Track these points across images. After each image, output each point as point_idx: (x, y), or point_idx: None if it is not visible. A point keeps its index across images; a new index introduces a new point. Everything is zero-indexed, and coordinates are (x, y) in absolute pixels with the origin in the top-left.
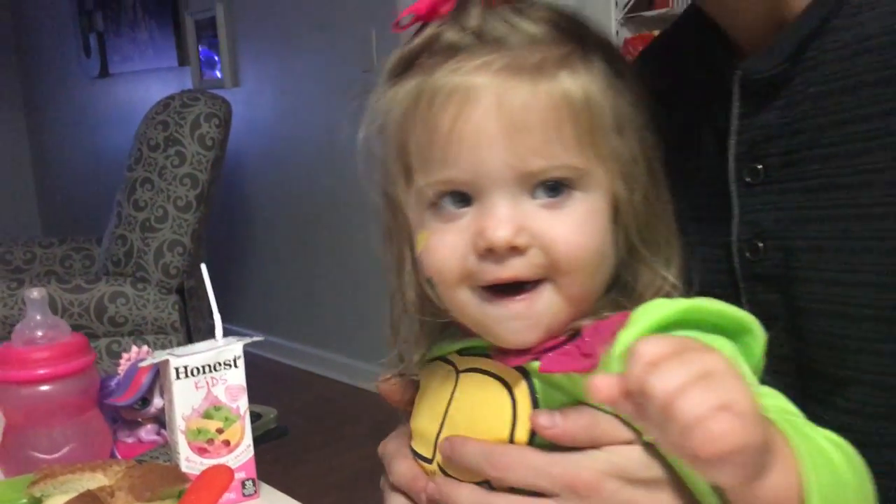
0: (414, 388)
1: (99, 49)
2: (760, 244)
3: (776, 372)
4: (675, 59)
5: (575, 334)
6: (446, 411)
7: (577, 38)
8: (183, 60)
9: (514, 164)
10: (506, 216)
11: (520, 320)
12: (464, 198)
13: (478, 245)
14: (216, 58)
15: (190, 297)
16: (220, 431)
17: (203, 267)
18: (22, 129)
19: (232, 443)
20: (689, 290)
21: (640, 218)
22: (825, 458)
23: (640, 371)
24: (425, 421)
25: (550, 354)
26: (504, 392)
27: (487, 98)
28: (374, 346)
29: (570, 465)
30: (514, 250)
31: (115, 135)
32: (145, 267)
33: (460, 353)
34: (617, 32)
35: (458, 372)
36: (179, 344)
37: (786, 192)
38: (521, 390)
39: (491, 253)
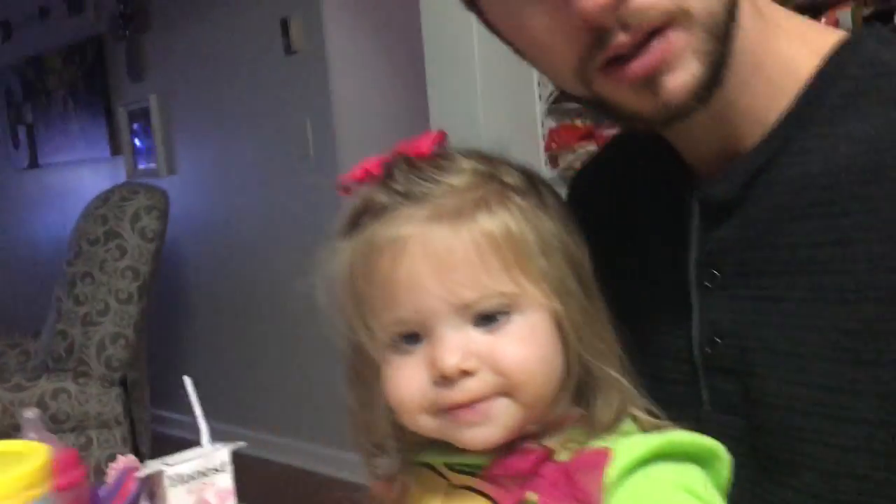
0: (400, 486)
1: (28, 140)
2: (718, 340)
3: (735, 453)
4: (630, 171)
5: (545, 451)
6: None
7: (494, 179)
8: (116, 150)
9: (449, 299)
10: (453, 345)
11: (478, 426)
12: (415, 336)
13: (432, 374)
14: (150, 146)
15: (132, 389)
16: None
17: (187, 379)
18: None
19: None
20: (638, 380)
21: (578, 326)
22: None
23: None
24: None
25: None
26: None
27: (415, 246)
28: (320, 427)
29: None
30: (466, 374)
31: (47, 227)
32: (87, 361)
33: (449, 466)
34: (542, 123)
35: (448, 486)
36: (123, 437)
37: (740, 298)
38: None
39: (445, 379)
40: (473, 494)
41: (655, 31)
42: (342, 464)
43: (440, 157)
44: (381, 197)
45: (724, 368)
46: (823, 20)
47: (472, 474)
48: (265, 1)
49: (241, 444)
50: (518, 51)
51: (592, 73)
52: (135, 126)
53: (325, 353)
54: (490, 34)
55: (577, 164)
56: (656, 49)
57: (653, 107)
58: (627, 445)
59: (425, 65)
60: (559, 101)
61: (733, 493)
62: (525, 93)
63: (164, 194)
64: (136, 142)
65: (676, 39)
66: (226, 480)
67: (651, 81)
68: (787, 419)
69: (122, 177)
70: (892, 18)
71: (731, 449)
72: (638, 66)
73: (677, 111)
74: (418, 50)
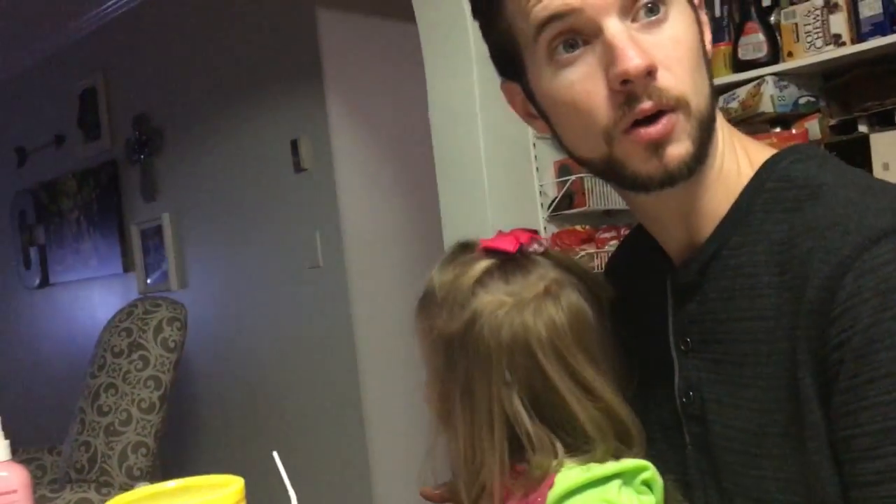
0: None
1: (40, 261)
2: (691, 393)
3: (705, 485)
4: (635, 260)
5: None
6: None
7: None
8: (128, 267)
9: None
10: None
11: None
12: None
13: None
14: (161, 262)
15: None
16: None
17: (275, 454)
18: None
19: None
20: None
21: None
22: None
23: None
24: None
25: None
26: None
27: None
28: None
29: None
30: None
31: (58, 344)
32: (109, 471)
33: None
34: (545, 228)
35: None
36: None
37: (702, 360)
38: None
39: None
40: None
41: (666, 110)
42: None
43: None
44: None
45: (694, 416)
46: (794, 129)
47: None
48: (276, 123)
49: None
50: (549, 119)
51: (618, 133)
52: (147, 244)
53: (327, 459)
54: (495, 145)
55: None
56: (667, 122)
57: (654, 168)
58: (563, 478)
59: (437, 180)
60: (558, 210)
61: None
62: (529, 202)
63: (183, 307)
64: (148, 258)
65: (679, 120)
66: None
67: (659, 146)
68: (726, 455)
69: (133, 292)
70: (854, 127)
71: (702, 481)
72: (654, 130)
73: (671, 175)
74: (422, 163)
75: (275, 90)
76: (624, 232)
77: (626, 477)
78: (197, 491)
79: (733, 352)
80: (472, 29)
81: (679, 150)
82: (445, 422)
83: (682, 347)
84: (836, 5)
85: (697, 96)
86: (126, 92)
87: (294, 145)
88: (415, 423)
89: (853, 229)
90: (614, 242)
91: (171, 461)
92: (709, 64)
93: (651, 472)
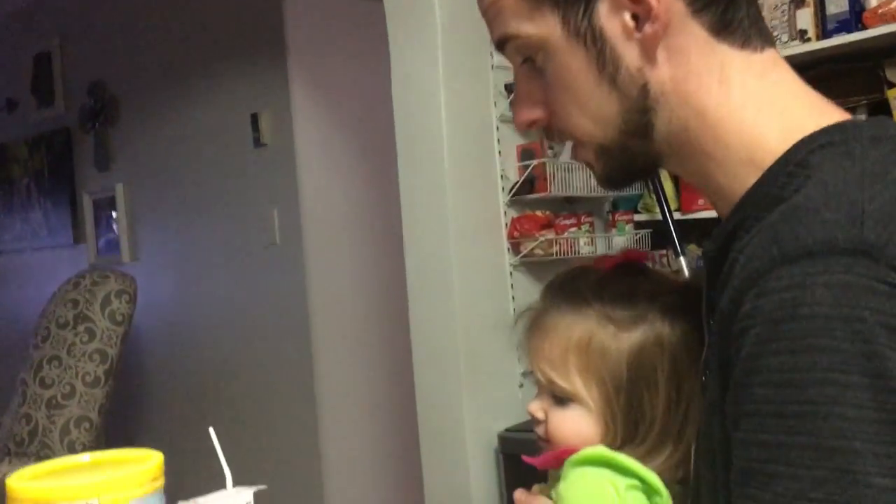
0: None
1: None
2: (707, 372)
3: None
4: None
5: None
6: None
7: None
8: (78, 238)
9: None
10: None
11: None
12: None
13: None
14: (113, 234)
15: None
16: None
17: (211, 430)
18: None
19: None
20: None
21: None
22: None
23: None
24: None
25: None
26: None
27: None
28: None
29: None
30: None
31: (3, 315)
32: (50, 445)
33: None
34: (505, 213)
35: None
36: None
37: (715, 344)
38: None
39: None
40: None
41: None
42: None
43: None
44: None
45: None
46: None
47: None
48: (237, 96)
49: (262, 487)
50: None
51: None
52: (99, 214)
53: (277, 437)
54: (458, 125)
55: (539, 251)
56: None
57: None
58: (591, 448)
59: (397, 160)
60: (519, 194)
61: None
62: (489, 185)
63: (133, 279)
64: (100, 230)
65: (580, 151)
66: None
67: (589, 166)
68: (694, 484)
69: (83, 264)
70: None
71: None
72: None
73: (606, 187)
74: (384, 143)
75: (236, 63)
76: (585, 219)
77: (646, 489)
78: (112, 465)
79: (721, 349)
80: (438, 6)
81: (596, 170)
82: (633, 425)
83: (710, 322)
84: (802, 1)
85: (592, 130)
86: (82, 58)
87: (254, 119)
88: (365, 404)
89: (780, 238)
90: (574, 230)
91: (115, 437)
92: (623, 85)
93: (665, 494)
